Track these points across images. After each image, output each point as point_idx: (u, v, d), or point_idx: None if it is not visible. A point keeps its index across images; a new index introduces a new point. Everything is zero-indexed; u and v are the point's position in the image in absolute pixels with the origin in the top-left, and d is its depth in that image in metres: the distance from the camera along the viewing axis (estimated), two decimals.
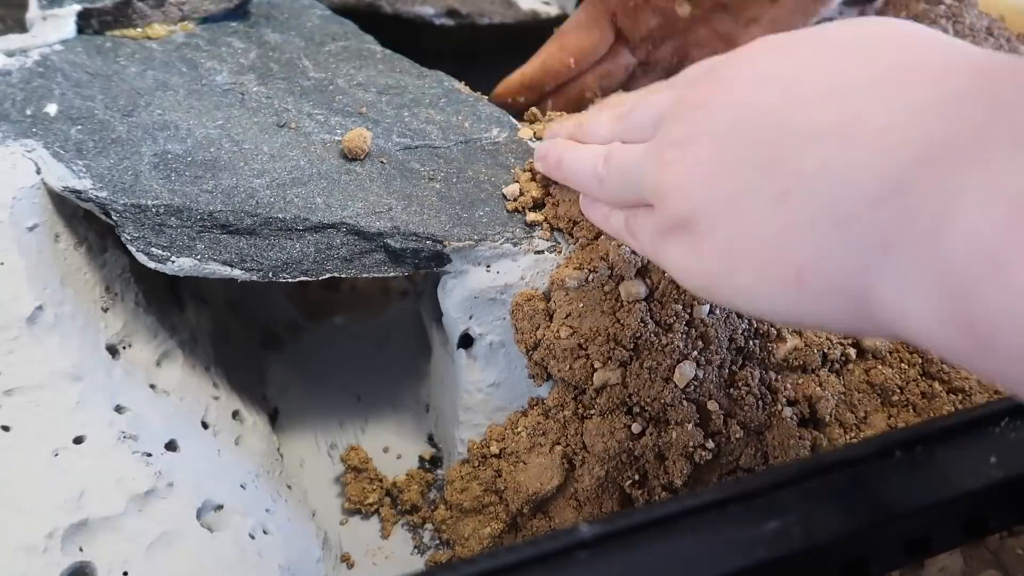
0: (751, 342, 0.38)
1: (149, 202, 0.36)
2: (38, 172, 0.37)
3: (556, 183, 0.38)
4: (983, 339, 0.17)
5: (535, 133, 0.42)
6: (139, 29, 0.45)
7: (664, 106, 0.27)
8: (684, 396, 0.37)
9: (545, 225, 0.38)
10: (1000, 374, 0.18)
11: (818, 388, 0.39)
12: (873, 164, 0.19)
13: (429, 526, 0.42)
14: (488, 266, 0.37)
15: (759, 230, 0.22)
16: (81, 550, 0.32)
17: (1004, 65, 0.19)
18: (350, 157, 0.39)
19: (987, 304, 0.17)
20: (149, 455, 0.35)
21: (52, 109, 0.39)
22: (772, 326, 0.38)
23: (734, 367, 0.38)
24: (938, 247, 0.18)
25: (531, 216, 0.38)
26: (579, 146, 0.34)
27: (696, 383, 0.37)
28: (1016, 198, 0.16)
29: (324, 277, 0.37)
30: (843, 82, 0.21)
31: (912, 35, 0.22)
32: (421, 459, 0.45)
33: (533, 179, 0.39)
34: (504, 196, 0.39)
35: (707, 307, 0.36)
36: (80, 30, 0.44)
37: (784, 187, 0.21)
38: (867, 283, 0.20)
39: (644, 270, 0.36)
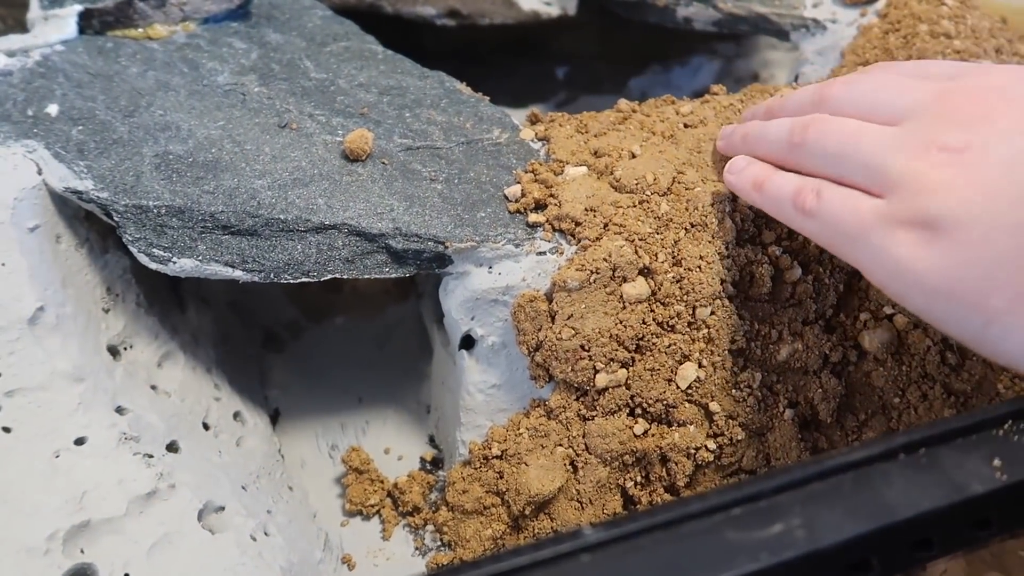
0: (752, 344, 0.38)
1: (150, 203, 0.36)
2: (39, 173, 0.37)
3: (558, 185, 0.38)
4: None
5: (536, 134, 0.42)
6: (140, 29, 0.45)
7: (919, 96, 0.27)
8: (686, 397, 0.37)
9: (547, 226, 0.38)
10: None
11: (819, 390, 0.39)
12: None
13: (430, 528, 0.42)
14: (490, 267, 0.37)
15: None
16: (82, 552, 0.32)
17: None
18: (352, 158, 0.39)
19: None
20: (150, 456, 0.35)
21: (53, 110, 0.39)
22: (773, 327, 0.38)
23: (736, 368, 0.38)
24: None
25: (533, 217, 0.38)
26: (768, 122, 0.34)
27: (698, 384, 0.37)
28: None
29: (326, 278, 0.37)
30: None
31: None
32: (422, 460, 0.45)
33: (535, 180, 0.39)
34: (506, 197, 0.39)
35: (709, 308, 0.36)
36: (81, 30, 0.44)
37: None
38: None
39: (646, 271, 0.36)
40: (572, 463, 0.38)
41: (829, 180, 0.30)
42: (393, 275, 0.37)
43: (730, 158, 0.37)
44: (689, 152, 0.40)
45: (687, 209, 0.37)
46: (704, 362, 0.37)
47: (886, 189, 0.27)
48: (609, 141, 0.40)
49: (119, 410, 0.36)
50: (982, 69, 0.28)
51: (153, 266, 0.35)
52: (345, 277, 0.37)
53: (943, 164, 0.25)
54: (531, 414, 0.39)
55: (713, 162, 0.39)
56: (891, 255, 0.26)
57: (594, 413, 0.37)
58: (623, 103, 0.44)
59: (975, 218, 0.24)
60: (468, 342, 0.39)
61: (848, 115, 0.30)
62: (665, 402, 0.36)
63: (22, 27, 0.46)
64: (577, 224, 0.37)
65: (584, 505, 0.38)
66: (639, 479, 0.38)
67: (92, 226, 0.40)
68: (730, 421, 0.37)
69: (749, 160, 0.35)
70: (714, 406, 0.37)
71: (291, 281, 0.36)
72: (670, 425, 0.37)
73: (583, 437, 0.38)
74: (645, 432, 0.37)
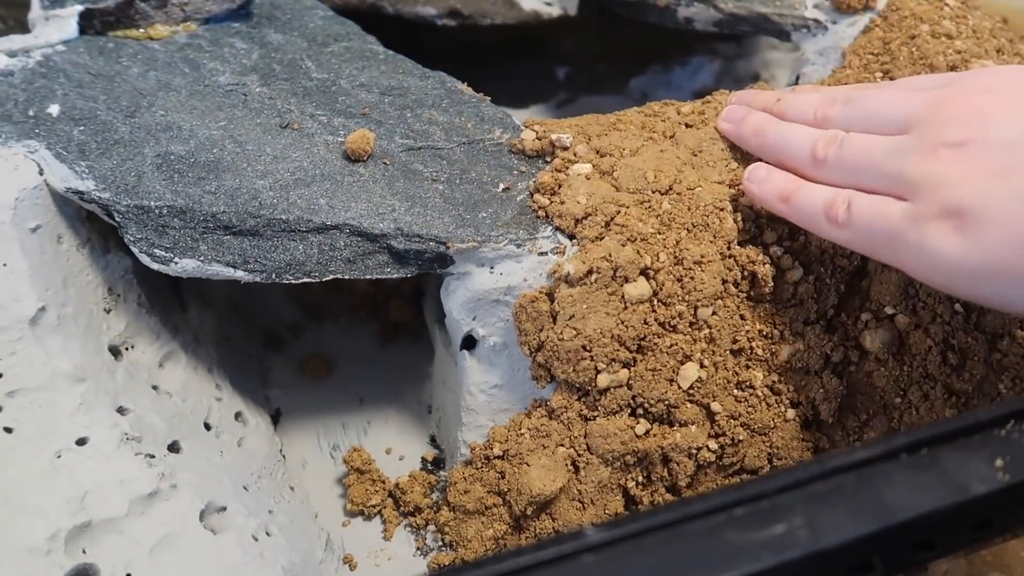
0: (755, 343, 0.38)
1: (152, 203, 0.36)
2: (41, 173, 0.37)
3: (564, 181, 0.38)
4: None
5: (537, 135, 0.42)
6: (141, 30, 0.45)
7: (916, 107, 0.30)
8: (688, 397, 0.37)
9: (543, 213, 0.38)
10: None
11: (821, 390, 0.39)
12: None
13: (432, 528, 0.42)
14: (491, 267, 0.37)
15: None
16: (84, 552, 0.32)
17: None
18: (353, 158, 0.39)
19: None
20: (152, 456, 0.35)
21: (54, 110, 0.39)
22: (774, 327, 0.38)
23: (738, 368, 0.38)
24: None
25: (538, 199, 0.38)
26: (784, 122, 0.36)
27: (700, 384, 0.37)
28: None
29: (327, 279, 0.37)
30: None
31: None
32: (424, 460, 0.45)
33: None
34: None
35: (711, 308, 0.36)
36: (82, 30, 0.44)
37: None
38: None
39: (647, 271, 0.36)
40: (574, 463, 0.38)
41: (855, 190, 0.32)
42: (395, 275, 0.37)
43: (732, 140, 0.39)
44: (690, 152, 0.40)
45: (688, 209, 0.37)
46: (706, 362, 0.37)
47: (908, 192, 0.29)
48: (611, 141, 0.40)
49: (120, 410, 0.36)
50: (968, 75, 0.30)
51: (155, 266, 0.35)
52: (346, 277, 0.37)
53: (952, 160, 0.28)
54: (532, 414, 0.39)
55: (715, 153, 0.39)
56: (928, 249, 0.28)
57: (596, 413, 0.37)
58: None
59: (994, 199, 0.26)
60: (470, 342, 0.39)
61: (856, 131, 0.33)
62: (667, 402, 0.36)
63: (23, 27, 0.46)
64: (578, 223, 0.37)
65: (586, 505, 0.38)
66: (641, 479, 0.38)
67: (93, 226, 0.40)
68: (732, 421, 0.37)
69: (770, 169, 0.36)
70: (716, 406, 0.37)
71: (293, 281, 0.36)
72: (672, 425, 0.37)
73: (585, 437, 0.38)
74: (647, 432, 0.37)
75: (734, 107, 0.40)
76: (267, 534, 0.37)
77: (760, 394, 0.38)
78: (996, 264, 0.27)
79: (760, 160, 0.38)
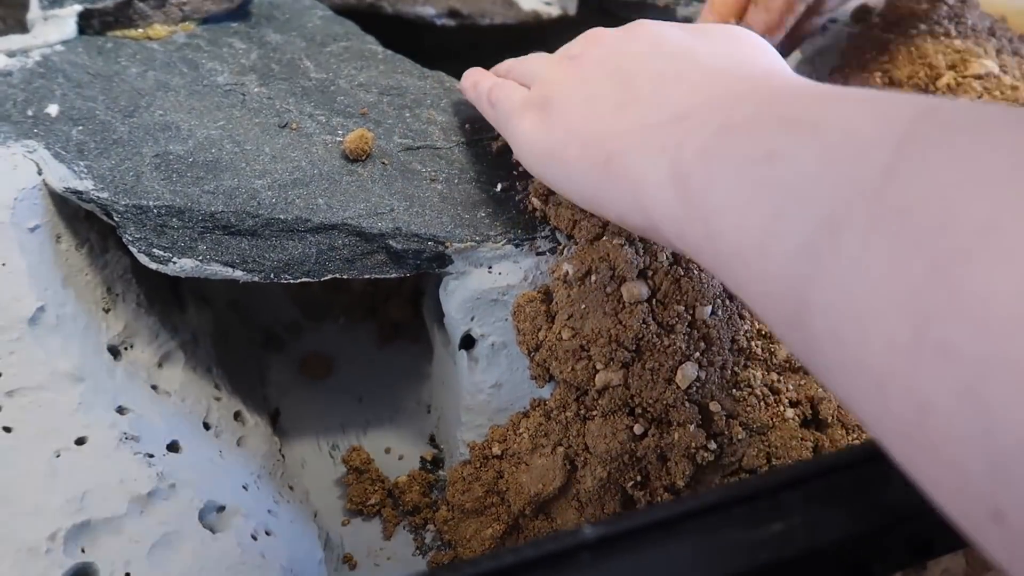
0: (753, 343, 0.38)
1: (150, 203, 0.36)
2: (39, 173, 0.37)
3: None
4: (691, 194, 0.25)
5: None
6: (140, 30, 0.45)
7: (569, 48, 0.36)
8: (686, 397, 0.37)
9: (541, 213, 0.38)
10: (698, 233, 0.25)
11: (820, 389, 0.39)
12: (682, 98, 0.28)
13: (431, 527, 0.42)
14: (490, 267, 0.37)
15: (597, 122, 0.30)
16: (83, 551, 0.32)
17: (786, 89, 0.26)
18: (352, 158, 0.39)
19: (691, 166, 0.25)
20: (151, 456, 0.35)
21: (53, 110, 0.39)
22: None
23: (736, 368, 0.38)
24: (682, 150, 0.25)
25: (536, 199, 0.38)
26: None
27: (698, 384, 0.37)
28: (717, 131, 0.25)
29: (326, 278, 0.37)
30: (687, 52, 0.30)
31: (753, 45, 0.31)
32: (423, 460, 0.45)
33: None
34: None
35: (709, 308, 0.36)
36: (81, 30, 0.44)
37: (624, 99, 0.29)
38: (643, 175, 0.27)
39: (645, 271, 0.36)
40: (572, 463, 0.38)
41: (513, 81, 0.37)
42: (393, 275, 0.37)
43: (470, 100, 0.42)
44: None
45: None
46: (704, 362, 0.37)
47: (530, 83, 0.35)
48: None
49: (120, 410, 0.36)
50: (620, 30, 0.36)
51: (153, 266, 0.35)
52: (345, 277, 0.37)
53: (564, 67, 0.33)
54: (531, 414, 0.39)
55: None
56: (521, 131, 0.33)
57: (594, 413, 0.37)
58: None
59: (568, 97, 0.32)
60: (468, 342, 0.39)
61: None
62: (665, 402, 0.36)
63: (22, 27, 0.46)
64: (576, 223, 0.37)
65: (584, 505, 0.38)
66: (639, 479, 0.38)
67: (92, 226, 0.40)
68: (731, 421, 0.37)
69: (480, 72, 0.41)
70: (714, 406, 0.37)
71: (291, 281, 0.36)
72: (670, 425, 0.37)
73: (583, 437, 0.38)
74: (645, 432, 0.37)
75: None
76: (266, 533, 0.37)
77: (759, 394, 0.38)
78: (551, 147, 0.31)
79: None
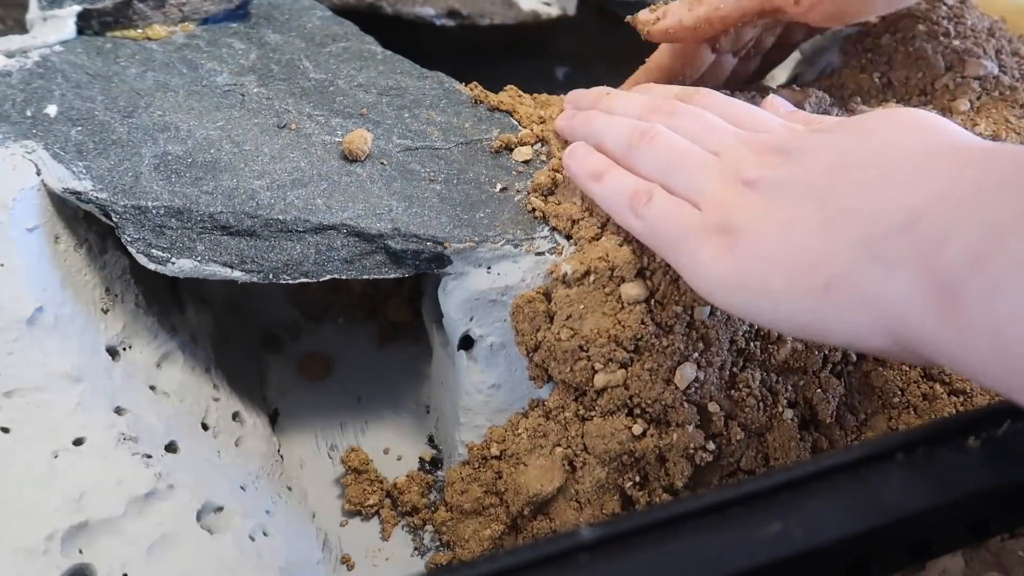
0: (752, 344, 0.38)
1: (149, 203, 0.36)
2: (38, 173, 0.37)
3: (560, 182, 0.38)
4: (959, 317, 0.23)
5: (537, 135, 0.42)
6: (139, 30, 0.45)
7: (729, 139, 0.33)
8: (685, 398, 0.37)
9: (541, 214, 0.38)
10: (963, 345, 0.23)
11: (819, 390, 0.39)
12: (900, 201, 0.26)
13: (429, 528, 0.42)
14: (488, 268, 0.37)
15: (800, 246, 0.28)
16: (81, 552, 0.32)
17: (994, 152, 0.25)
18: (350, 158, 0.39)
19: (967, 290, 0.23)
20: (149, 457, 0.35)
21: (52, 110, 0.39)
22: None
23: (735, 369, 0.38)
24: (935, 258, 0.24)
25: (534, 199, 0.38)
26: (610, 115, 0.38)
27: (697, 385, 0.37)
28: (988, 233, 0.23)
29: (324, 279, 0.37)
30: (872, 151, 0.28)
31: (930, 126, 0.29)
32: (421, 460, 0.45)
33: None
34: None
35: (707, 308, 0.36)
36: (80, 31, 0.44)
37: (827, 217, 0.27)
38: (883, 294, 0.25)
39: (644, 272, 0.36)
40: (571, 463, 0.38)
41: (660, 186, 0.34)
42: (392, 276, 0.37)
43: (565, 137, 0.40)
44: None
45: None
46: (703, 363, 0.37)
47: (702, 203, 0.32)
48: None
49: (118, 410, 0.36)
50: (765, 125, 0.34)
51: (152, 267, 0.35)
52: (344, 278, 0.37)
53: (742, 192, 0.31)
54: (530, 414, 0.39)
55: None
56: (700, 259, 0.31)
57: (593, 414, 0.37)
58: None
59: (757, 221, 0.29)
60: (467, 342, 0.39)
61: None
62: (664, 403, 0.36)
63: (21, 28, 0.46)
64: (575, 223, 0.37)
65: (583, 506, 0.38)
66: (638, 480, 0.38)
67: (91, 227, 0.40)
68: (729, 421, 0.37)
69: (589, 149, 0.38)
70: (713, 407, 0.37)
71: (290, 282, 0.36)
72: (669, 426, 0.37)
73: (582, 437, 0.37)
74: (644, 433, 0.37)
75: (568, 106, 0.42)
76: (264, 534, 0.37)
77: (758, 394, 0.38)
78: (746, 277, 0.29)
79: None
